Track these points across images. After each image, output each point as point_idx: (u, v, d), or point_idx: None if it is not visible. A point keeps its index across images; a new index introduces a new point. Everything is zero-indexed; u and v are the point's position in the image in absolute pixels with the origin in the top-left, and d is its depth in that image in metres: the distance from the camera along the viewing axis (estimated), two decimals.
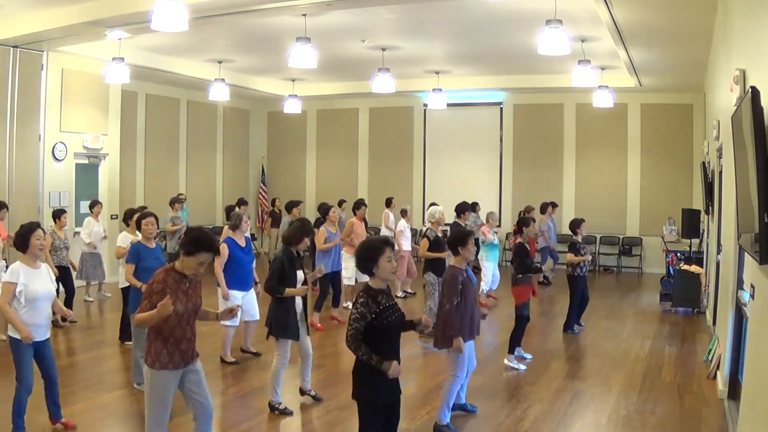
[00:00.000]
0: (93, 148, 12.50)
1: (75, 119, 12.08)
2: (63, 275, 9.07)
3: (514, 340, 7.64)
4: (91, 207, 10.93)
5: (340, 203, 13.26)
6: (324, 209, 9.85)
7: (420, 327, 4.18)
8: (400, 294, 11.59)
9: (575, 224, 9.23)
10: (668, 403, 6.26)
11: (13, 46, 10.74)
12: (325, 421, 5.79)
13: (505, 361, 7.54)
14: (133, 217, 7.93)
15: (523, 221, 8.29)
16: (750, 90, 3.83)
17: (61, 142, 11.82)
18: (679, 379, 7.07)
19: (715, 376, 6.87)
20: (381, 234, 14.24)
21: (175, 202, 12.59)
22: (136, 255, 6.52)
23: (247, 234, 7.76)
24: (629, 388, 6.73)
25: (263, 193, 18.22)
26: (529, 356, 7.77)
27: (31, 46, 10.83)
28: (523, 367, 7.46)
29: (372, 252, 4.01)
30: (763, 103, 3.78)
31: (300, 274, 6.00)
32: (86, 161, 12.53)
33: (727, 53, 6.72)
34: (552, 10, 7.95)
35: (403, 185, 17.04)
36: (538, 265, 8.63)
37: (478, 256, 11.19)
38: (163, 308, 3.96)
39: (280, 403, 5.94)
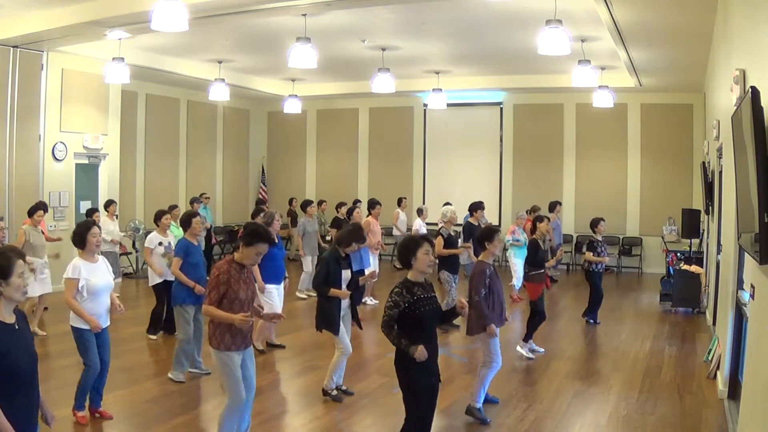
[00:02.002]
0: (93, 148, 12.50)
1: (75, 119, 12.08)
2: None
3: (531, 330, 7.95)
4: (106, 206, 11.05)
5: (355, 203, 13.30)
6: (349, 210, 10.30)
7: (459, 311, 4.47)
8: None
9: (594, 223, 9.61)
10: (668, 403, 6.26)
11: (13, 46, 10.74)
12: (325, 421, 5.79)
13: (518, 348, 7.92)
14: (162, 218, 8.26)
15: (538, 219, 8.52)
16: (750, 90, 3.83)
17: (61, 142, 11.82)
18: (679, 379, 7.07)
19: (715, 376, 6.87)
20: (392, 233, 14.47)
21: (194, 201, 12.56)
22: (184, 250, 6.90)
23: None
24: (629, 388, 6.73)
25: (263, 193, 18.21)
26: (541, 350, 8.04)
27: (31, 46, 10.83)
28: (532, 356, 7.79)
29: (411, 245, 4.33)
30: (763, 103, 3.78)
31: (346, 273, 6.24)
32: (86, 161, 12.53)
33: (727, 53, 6.72)
34: (552, 10, 7.96)
35: (403, 185, 17.03)
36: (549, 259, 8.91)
37: (507, 254, 11.73)
38: (242, 322, 4.42)
39: (333, 389, 6.22)
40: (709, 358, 7.47)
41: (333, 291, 6.04)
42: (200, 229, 7.11)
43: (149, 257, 8.06)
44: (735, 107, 4.83)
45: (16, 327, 3.13)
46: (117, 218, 11.61)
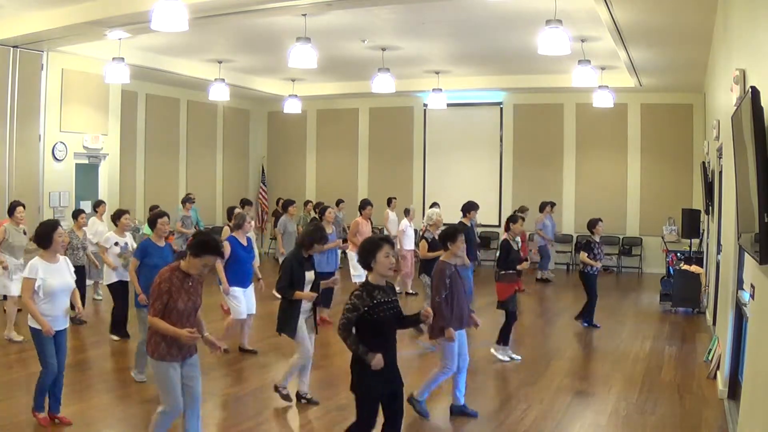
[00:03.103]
0: (93, 148, 12.51)
1: (75, 119, 12.08)
2: (78, 275, 9.04)
3: (505, 334, 7.71)
4: (95, 207, 11.00)
5: (338, 203, 13.29)
6: (321, 209, 10.02)
7: (423, 319, 4.33)
8: (411, 291, 11.68)
9: (591, 224, 9.48)
10: (668, 403, 6.26)
11: (13, 46, 10.74)
12: (325, 422, 5.79)
13: (491, 350, 7.72)
14: (120, 218, 8.23)
15: (511, 218, 8.30)
16: (750, 90, 3.83)
17: (61, 142, 11.82)
18: (679, 379, 7.06)
19: (715, 376, 6.87)
20: (383, 234, 14.31)
21: (186, 201, 12.56)
22: (142, 251, 6.68)
23: (249, 234, 7.91)
24: (629, 388, 6.72)
25: (263, 193, 18.21)
26: (518, 357, 7.72)
27: (31, 46, 10.84)
28: (506, 358, 7.62)
29: (371, 247, 4.21)
30: (763, 103, 3.78)
31: (310, 275, 6.11)
32: (86, 161, 12.54)
33: (727, 53, 6.72)
34: (552, 10, 7.96)
35: (403, 185, 17.03)
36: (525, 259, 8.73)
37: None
38: (188, 339, 4.29)
39: (285, 388, 6.09)
40: (709, 358, 7.47)
41: (297, 294, 5.89)
42: (166, 230, 6.85)
43: (104, 254, 8.04)
44: (735, 107, 4.83)
45: None
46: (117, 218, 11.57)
